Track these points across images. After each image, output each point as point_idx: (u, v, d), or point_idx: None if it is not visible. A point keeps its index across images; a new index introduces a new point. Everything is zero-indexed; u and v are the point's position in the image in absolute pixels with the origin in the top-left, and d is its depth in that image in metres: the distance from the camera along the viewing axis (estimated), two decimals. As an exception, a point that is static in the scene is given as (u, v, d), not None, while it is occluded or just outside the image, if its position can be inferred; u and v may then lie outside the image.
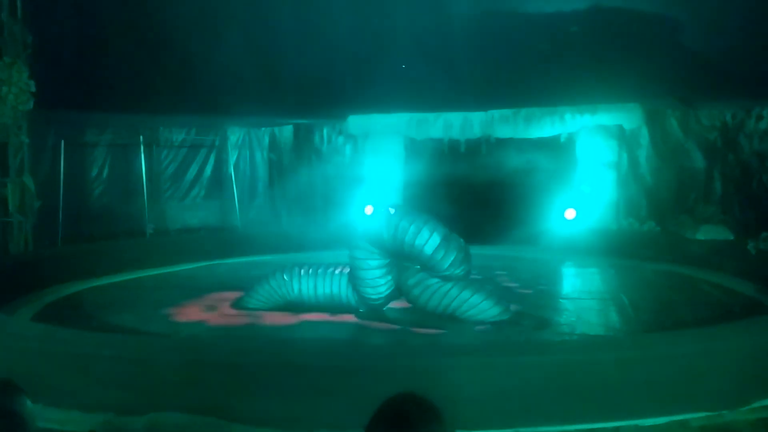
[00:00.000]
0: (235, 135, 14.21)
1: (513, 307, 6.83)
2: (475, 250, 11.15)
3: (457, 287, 6.43)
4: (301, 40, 12.12)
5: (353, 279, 6.76)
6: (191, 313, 7.05)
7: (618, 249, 10.73)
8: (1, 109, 9.04)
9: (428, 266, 6.39)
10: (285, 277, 7.06)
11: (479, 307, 6.42)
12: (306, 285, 6.99)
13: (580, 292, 8.65)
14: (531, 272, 9.54)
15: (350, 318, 6.76)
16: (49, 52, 10.00)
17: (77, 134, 12.33)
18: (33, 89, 9.32)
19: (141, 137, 12.78)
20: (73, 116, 11.90)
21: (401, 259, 6.63)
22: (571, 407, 4.30)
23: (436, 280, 6.45)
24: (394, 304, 6.99)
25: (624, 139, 12.26)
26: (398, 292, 6.81)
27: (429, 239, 6.20)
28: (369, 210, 7.35)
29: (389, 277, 6.65)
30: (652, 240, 10.82)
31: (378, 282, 6.63)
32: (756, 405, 4.59)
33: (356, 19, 12.16)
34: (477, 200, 12.27)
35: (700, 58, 11.82)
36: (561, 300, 7.98)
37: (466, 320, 6.44)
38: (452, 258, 6.26)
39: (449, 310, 6.48)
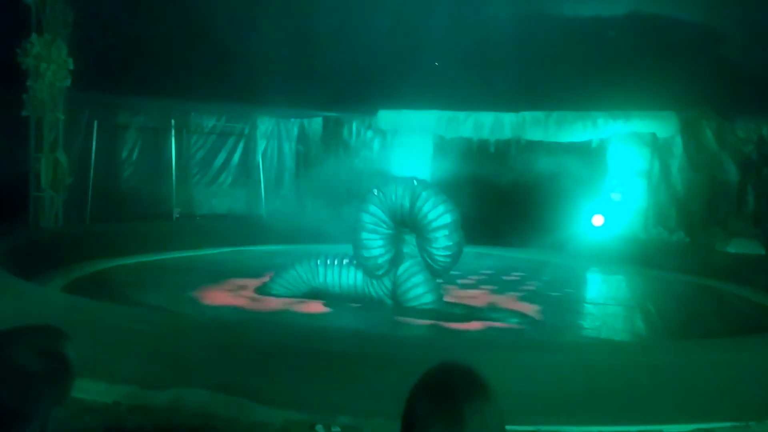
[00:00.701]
0: (264, 124, 14.29)
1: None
2: (502, 252, 11.19)
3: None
4: (336, 33, 12.14)
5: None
6: (216, 295, 7.10)
7: (646, 258, 10.57)
8: (39, 84, 9.17)
9: (425, 239, 6.60)
10: (311, 265, 7.10)
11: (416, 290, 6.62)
12: (331, 274, 7.02)
13: (606, 298, 8.53)
14: (556, 277, 9.45)
15: (374, 309, 6.75)
16: (87, 33, 10.14)
17: (110, 115, 12.49)
18: (71, 67, 9.44)
19: (172, 121, 12.91)
20: (108, 98, 12.05)
21: (405, 228, 6.81)
22: (594, 408, 4.25)
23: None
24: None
25: (657, 147, 12.07)
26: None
27: (442, 215, 6.47)
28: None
29: (388, 248, 6.72)
30: (682, 251, 10.64)
31: (373, 244, 6.71)
32: (785, 419, 4.49)
33: (392, 14, 12.13)
34: (504, 202, 12.19)
35: (739, 69, 11.60)
36: (586, 305, 7.89)
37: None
38: (450, 243, 6.53)
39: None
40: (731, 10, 11.25)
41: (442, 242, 6.51)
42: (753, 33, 11.30)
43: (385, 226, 6.72)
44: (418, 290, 6.62)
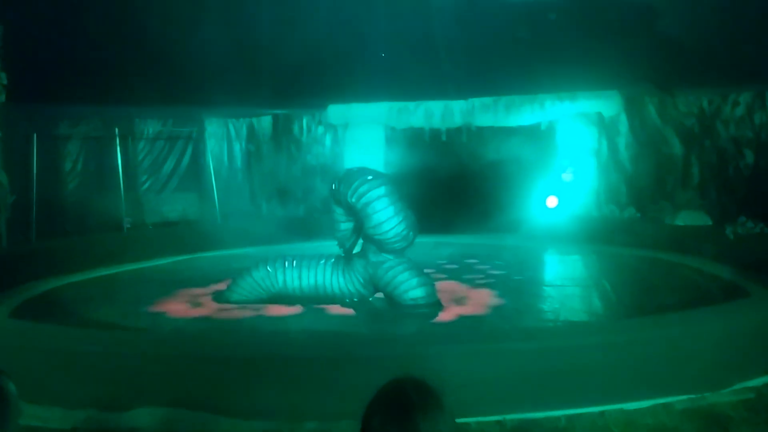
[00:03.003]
0: (212, 126, 14.02)
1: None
2: (459, 240, 11.28)
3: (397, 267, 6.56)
4: (280, 29, 11.96)
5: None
6: (173, 307, 6.93)
7: (599, 236, 10.82)
8: (-29, 101, 8.79)
9: (362, 222, 6.52)
10: (268, 268, 6.98)
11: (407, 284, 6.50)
12: (290, 276, 6.91)
13: (563, 279, 8.69)
14: (514, 260, 9.57)
15: (336, 309, 6.71)
16: (19, 43, 9.74)
17: (50, 127, 12.05)
18: (5, 81, 9.09)
19: (116, 129, 12.54)
20: (46, 108, 11.61)
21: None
22: (557, 393, 4.32)
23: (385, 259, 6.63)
24: (380, 296, 6.96)
25: (603, 126, 12.33)
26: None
27: (366, 193, 6.33)
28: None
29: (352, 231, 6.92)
30: (633, 226, 10.92)
31: (342, 233, 6.97)
32: (738, 387, 4.66)
33: (335, 7, 12.02)
34: (458, 188, 12.29)
35: (677, 44, 11.91)
36: (544, 287, 8.02)
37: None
38: (381, 220, 6.33)
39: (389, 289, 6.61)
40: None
41: (373, 220, 6.31)
42: (688, 7, 11.60)
43: (344, 218, 6.88)
44: (408, 284, 6.45)
